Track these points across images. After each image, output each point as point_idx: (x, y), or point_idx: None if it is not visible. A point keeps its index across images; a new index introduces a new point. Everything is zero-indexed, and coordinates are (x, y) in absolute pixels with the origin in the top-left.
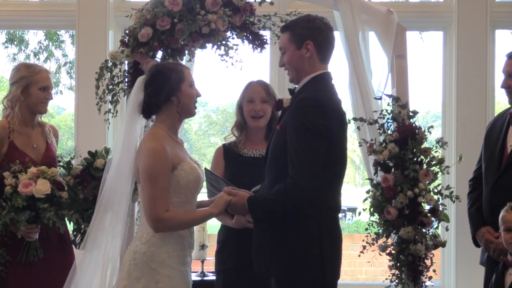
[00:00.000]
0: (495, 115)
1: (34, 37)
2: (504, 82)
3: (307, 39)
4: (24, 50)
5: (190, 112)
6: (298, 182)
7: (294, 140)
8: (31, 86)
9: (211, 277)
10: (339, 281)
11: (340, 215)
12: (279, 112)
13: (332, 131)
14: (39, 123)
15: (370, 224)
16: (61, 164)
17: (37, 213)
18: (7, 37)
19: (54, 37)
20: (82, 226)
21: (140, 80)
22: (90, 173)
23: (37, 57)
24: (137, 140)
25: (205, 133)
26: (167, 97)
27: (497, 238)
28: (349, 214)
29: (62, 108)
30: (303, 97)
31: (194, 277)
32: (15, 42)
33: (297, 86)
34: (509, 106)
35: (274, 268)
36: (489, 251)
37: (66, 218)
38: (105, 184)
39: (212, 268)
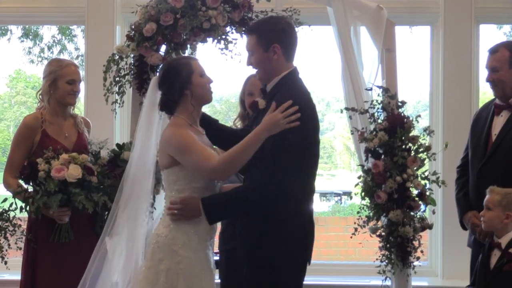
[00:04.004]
0: (480, 105)
1: (48, 31)
2: (488, 77)
3: (274, 42)
4: (38, 44)
5: (207, 99)
6: (260, 186)
7: (268, 149)
8: (59, 79)
9: (215, 257)
10: (334, 261)
11: (336, 198)
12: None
13: (307, 137)
14: (71, 114)
15: (361, 208)
16: (91, 152)
17: (68, 196)
18: (22, 31)
19: (67, 32)
20: (109, 207)
21: (154, 79)
22: (117, 164)
23: (51, 50)
24: (156, 136)
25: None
26: (180, 91)
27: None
28: (344, 197)
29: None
30: (279, 102)
31: None
32: (30, 37)
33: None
34: (493, 97)
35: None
36: (475, 234)
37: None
38: (128, 176)
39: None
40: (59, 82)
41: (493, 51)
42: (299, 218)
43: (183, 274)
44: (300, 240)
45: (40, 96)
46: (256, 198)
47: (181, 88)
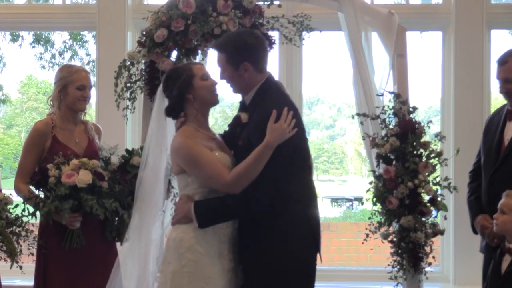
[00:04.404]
0: (491, 110)
1: (59, 37)
2: (501, 88)
3: (243, 60)
4: (49, 50)
5: (212, 102)
6: (252, 197)
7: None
8: (69, 85)
9: None
10: (345, 267)
11: (347, 204)
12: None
13: (294, 145)
14: (82, 120)
15: (373, 213)
16: (101, 157)
17: (79, 202)
18: (34, 37)
19: (78, 37)
20: (121, 214)
21: (160, 87)
22: (127, 170)
23: (62, 56)
24: (168, 140)
25: (221, 128)
26: (182, 95)
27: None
28: (355, 203)
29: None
30: (267, 111)
31: None
32: (41, 42)
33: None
34: (505, 102)
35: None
36: (484, 236)
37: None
38: (141, 182)
39: None
40: (69, 88)
41: (503, 62)
42: (299, 220)
43: (188, 278)
44: (304, 242)
45: (51, 102)
46: (246, 203)
47: (182, 92)
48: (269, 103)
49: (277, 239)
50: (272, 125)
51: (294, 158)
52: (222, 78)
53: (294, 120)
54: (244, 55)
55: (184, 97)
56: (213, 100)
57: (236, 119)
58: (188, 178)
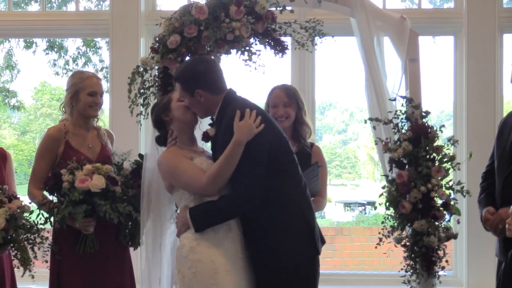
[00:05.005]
0: (504, 114)
1: (73, 43)
2: None
3: (196, 88)
4: (63, 56)
5: (186, 120)
6: (242, 196)
7: (241, 157)
8: (80, 92)
9: None
10: (359, 271)
11: (360, 208)
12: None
13: (270, 141)
14: (94, 126)
15: (386, 218)
16: (114, 163)
17: (93, 207)
18: (47, 44)
19: (92, 44)
20: (134, 217)
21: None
22: (140, 174)
23: (76, 62)
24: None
25: None
26: (160, 119)
27: (493, 215)
28: (368, 207)
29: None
30: (230, 117)
31: None
32: (55, 49)
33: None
34: None
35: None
36: (487, 228)
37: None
38: (143, 186)
39: None
40: (81, 94)
41: None
42: (294, 220)
43: (196, 278)
44: (300, 242)
45: (63, 108)
46: (237, 203)
47: (160, 116)
48: (232, 109)
49: (272, 239)
50: (237, 123)
51: (276, 155)
52: (186, 105)
53: (259, 117)
54: (195, 83)
55: (162, 119)
56: (187, 119)
57: (204, 134)
58: (179, 190)
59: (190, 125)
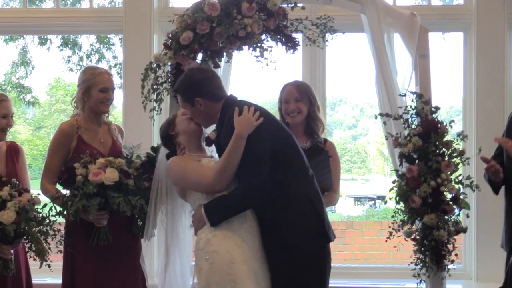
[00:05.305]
0: None
1: (87, 40)
2: None
3: (195, 97)
4: (77, 53)
5: (190, 131)
6: (252, 186)
7: (245, 153)
8: (92, 88)
9: None
10: (369, 264)
11: (370, 202)
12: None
13: (271, 133)
14: (105, 121)
15: (396, 212)
16: (124, 156)
17: (106, 199)
18: (61, 41)
19: (105, 40)
20: (146, 210)
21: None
22: (154, 166)
23: (90, 59)
24: None
25: None
26: (167, 134)
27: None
28: (378, 202)
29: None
30: (229, 118)
31: None
32: (69, 45)
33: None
34: None
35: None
36: (487, 172)
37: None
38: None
39: None
40: (93, 90)
41: None
42: (305, 212)
43: (213, 268)
44: (310, 234)
45: (75, 104)
46: (248, 193)
47: (167, 131)
48: (232, 109)
49: (282, 231)
50: (237, 118)
51: (279, 148)
52: (190, 116)
53: (258, 112)
54: (195, 91)
55: (169, 134)
56: (192, 129)
57: (206, 139)
58: (191, 192)
59: (196, 135)
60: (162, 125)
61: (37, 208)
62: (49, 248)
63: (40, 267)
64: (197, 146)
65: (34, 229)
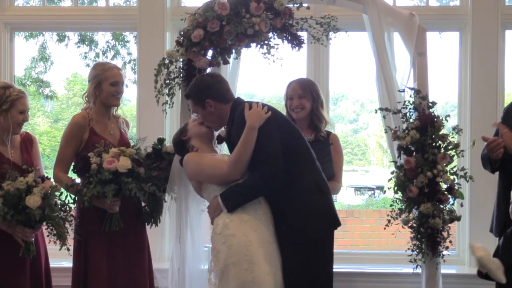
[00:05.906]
0: (505, 105)
1: (103, 37)
2: None
3: (205, 99)
4: (93, 49)
5: (201, 133)
6: (267, 172)
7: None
8: (103, 82)
9: None
10: (368, 250)
11: (369, 192)
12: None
13: (278, 124)
14: (114, 115)
15: (394, 201)
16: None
17: (119, 186)
18: (79, 38)
19: (120, 38)
20: (157, 196)
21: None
22: (162, 156)
23: (105, 55)
24: None
25: None
26: (180, 139)
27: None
28: (377, 191)
29: (128, 99)
30: (240, 113)
31: None
32: (86, 42)
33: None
34: None
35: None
36: (487, 148)
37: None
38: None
39: None
40: (103, 84)
41: None
42: (315, 199)
43: (230, 250)
44: (320, 220)
45: (86, 98)
46: (262, 178)
47: (179, 137)
48: (241, 108)
49: (291, 218)
50: (247, 112)
51: (287, 139)
52: (201, 122)
53: (266, 107)
54: (205, 93)
55: (181, 140)
56: (203, 132)
57: (218, 137)
58: (207, 185)
59: (208, 137)
60: (174, 134)
61: (57, 195)
62: (68, 233)
63: (60, 249)
64: (209, 148)
65: (56, 213)
